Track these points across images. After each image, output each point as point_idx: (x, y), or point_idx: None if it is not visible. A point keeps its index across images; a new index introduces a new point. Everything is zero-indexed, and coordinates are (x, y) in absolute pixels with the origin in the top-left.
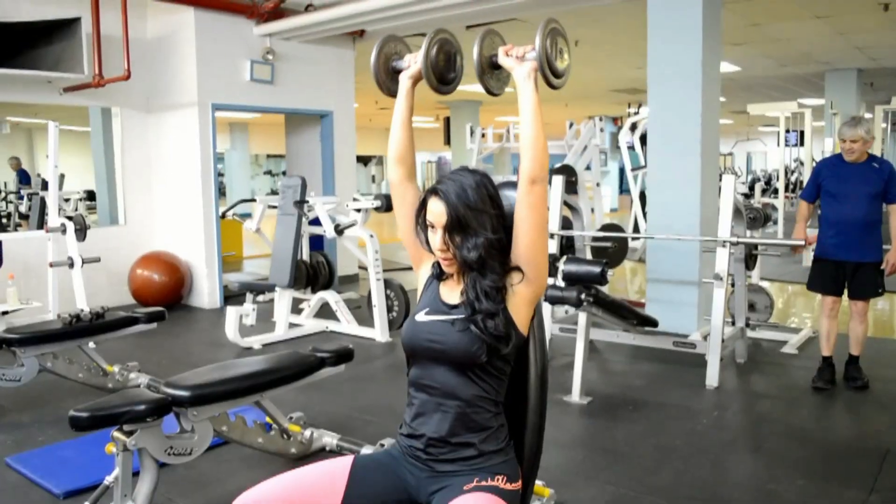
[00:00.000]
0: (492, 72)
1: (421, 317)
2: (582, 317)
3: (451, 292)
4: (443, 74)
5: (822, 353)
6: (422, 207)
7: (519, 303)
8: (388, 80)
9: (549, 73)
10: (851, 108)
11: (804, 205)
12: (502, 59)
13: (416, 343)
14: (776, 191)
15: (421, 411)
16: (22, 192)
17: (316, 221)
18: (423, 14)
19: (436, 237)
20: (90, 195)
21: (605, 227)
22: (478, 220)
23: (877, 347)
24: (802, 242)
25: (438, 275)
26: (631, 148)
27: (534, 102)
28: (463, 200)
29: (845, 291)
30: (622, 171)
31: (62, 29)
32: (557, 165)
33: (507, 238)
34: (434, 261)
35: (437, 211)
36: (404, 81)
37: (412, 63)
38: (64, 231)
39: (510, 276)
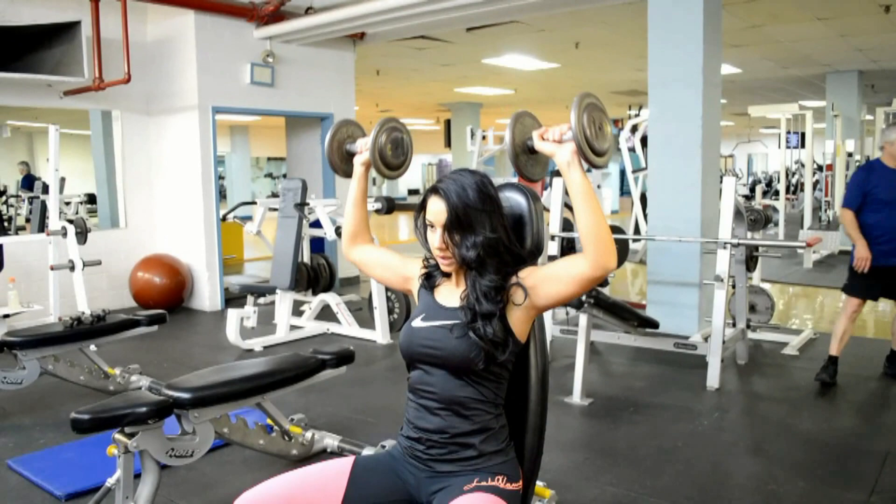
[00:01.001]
0: (528, 157)
1: (418, 323)
2: (583, 318)
3: (450, 295)
4: (389, 162)
5: (830, 352)
6: (421, 207)
7: (520, 315)
8: (341, 163)
9: (591, 154)
10: (852, 110)
11: (850, 214)
12: (538, 145)
13: (414, 349)
14: (777, 192)
15: (421, 413)
16: (22, 195)
17: (317, 224)
18: (422, 16)
19: (435, 236)
20: (91, 198)
21: None
22: (477, 220)
23: (877, 349)
24: (868, 256)
25: (427, 283)
26: (632, 150)
27: (584, 187)
28: (463, 199)
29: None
30: (623, 173)
31: (62, 32)
32: (557, 168)
33: (508, 238)
34: (420, 273)
35: (438, 209)
36: (357, 168)
37: (364, 149)
38: (65, 234)
39: (514, 293)
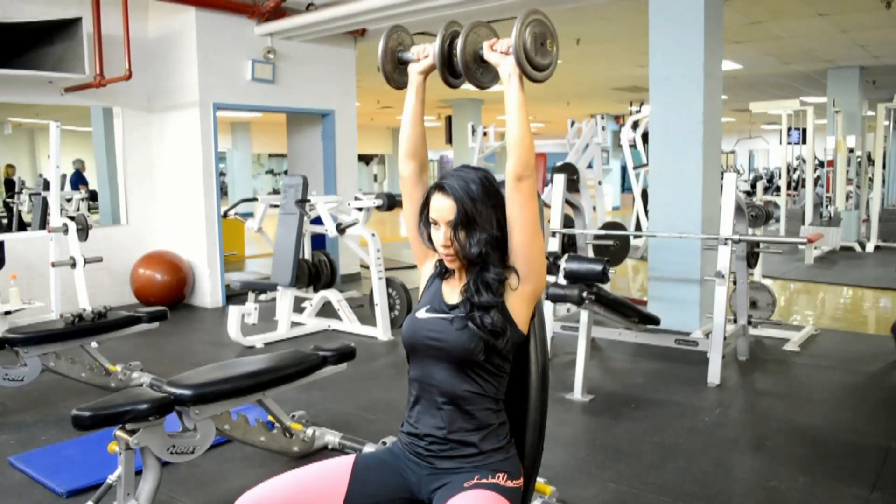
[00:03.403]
0: (478, 66)
1: (421, 314)
2: (584, 315)
3: (452, 292)
4: (455, 67)
5: None
6: (425, 204)
7: (517, 301)
8: (394, 71)
9: (529, 68)
10: (854, 105)
11: None
12: (487, 55)
13: (416, 340)
14: (778, 189)
15: (422, 409)
16: (79, 194)
17: (318, 220)
18: (423, 13)
19: (439, 233)
20: (92, 195)
21: (606, 226)
22: (482, 216)
23: (878, 344)
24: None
25: (441, 273)
26: (633, 146)
27: (518, 99)
28: (469, 195)
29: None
30: (624, 170)
31: (63, 29)
32: (559, 164)
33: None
34: (437, 259)
35: (442, 206)
36: (414, 76)
37: (421, 55)
38: (66, 231)
39: (509, 279)
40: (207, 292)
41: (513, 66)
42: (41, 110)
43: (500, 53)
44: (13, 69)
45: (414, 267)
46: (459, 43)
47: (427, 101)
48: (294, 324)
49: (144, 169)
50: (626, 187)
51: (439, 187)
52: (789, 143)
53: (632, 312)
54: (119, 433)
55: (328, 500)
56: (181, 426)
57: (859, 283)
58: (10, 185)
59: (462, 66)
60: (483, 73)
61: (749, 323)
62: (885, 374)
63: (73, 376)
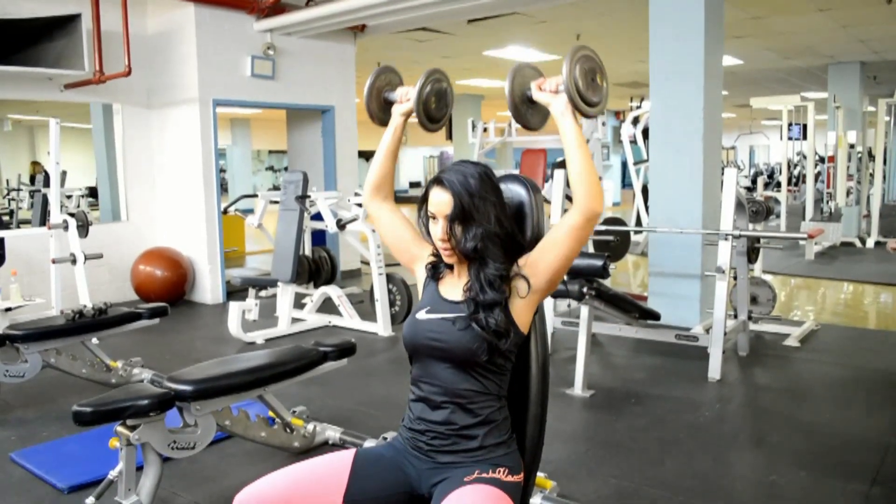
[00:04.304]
0: (528, 108)
1: (422, 315)
2: (584, 310)
3: (453, 288)
4: (432, 115)
5: None
6: (424, 199)
7: (523, 306)
8: (379, 110)
9: (583, 105)
10: (855, 101)
11: None
12: (536, 95)
13: (418, 342)
14: (779, 184)
15: (424, 406)
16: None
17: (318, 216)
18: (424, 8)
19: (437, 227)
20: (92, 192)
21: (607, 221)
22: (480, 210)
23: (880, 340)
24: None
25: (433, 274)
26: (633, 142)
27: (576, 136)
28: (467, 190)
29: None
30: (624, 165)
31: (63, 25)
32: (559, 160)
33: (510, 228)
34: (428, 261)
35: (441, 200)
36: (396, 117)
37: (404, 98)
38: (66, 227)
39: (517, 285)
40: (208, 288)
41: (565, 105)
42: (41, 107)
43: (549, 93)
44: (13, 66)
45: None
46: (507, 86)
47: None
48: (294, 320)
49: (144, 165)
50: (626, 183)
51: (438, 181)
52: (790, 139)
53: (632, 308)
54: (120, 429)
55: (328, 494)
56: (182, 422)
57: (860, 278)
58: (33, 180)
59: (511, 108)
60: (532, 113)
61: (749, 318)
62: (885, 370)
63: (73, 372)
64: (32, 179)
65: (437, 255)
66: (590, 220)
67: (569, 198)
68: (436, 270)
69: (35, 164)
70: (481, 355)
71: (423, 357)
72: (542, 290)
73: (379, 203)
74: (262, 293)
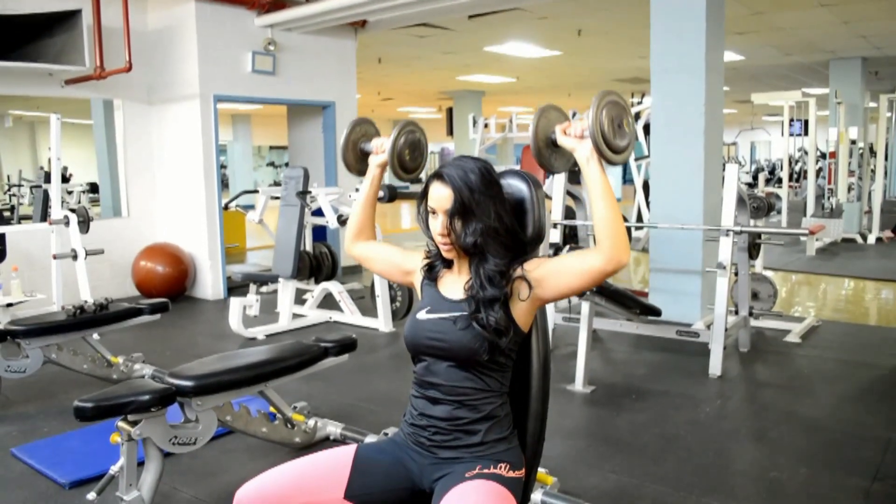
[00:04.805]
0: (551, 151)
1: (422, 315)
2: (585, 306)
3: (453, 286)
4: (407, 165)
5: None
6: (424, 194)
7: (522, 307)
8: (355, 161)
9: (608, 152)
10: (856, 97)
11: None
12: (561, 140)
13: (419, 342)
14: (780, 180)
15: (426, 403)
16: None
17: (319, 212)
18: (424, 3)
19: (437, 222)
20: (93, 187)
21: None
22: (480, 205)
23: (881, 336)
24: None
25: (430, 274)
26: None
27: (602, 183)
28: (467, 184)
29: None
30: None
31: (63, 21)
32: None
33: (511, 224)
34: (423, 264)
35: (441, 195)
36: (373, 167)
37: (379, 150)
38: (67, 223)
39: (519, 287)
40: (209, 284)
41: (590, 151)
42: (42, 103)
43: (574, 138)
44: (13, 62)
45: None
46: (531, 128)
47: (428, 92)
48: (295, 315)
49: (145, 161)
50: (627, 179)
51: (438, 176)
52: (791, 135)
53: (633, 304)
54: (121, 424)
55: (330, 490)
56: (183, 417)
57: (861, 274)
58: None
59: (534, 151)
60: (556, 157)
61: (750, 314)
62: (886, 366)
63: (75, 368)
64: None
65: (430, 255)
66: (614, 270)
67: (570, 193)
68: (432, 271)
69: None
70: (483, 354)
71: (425, 356)
72: (543, 299)
73: (362, 245)
74: (263, 289)
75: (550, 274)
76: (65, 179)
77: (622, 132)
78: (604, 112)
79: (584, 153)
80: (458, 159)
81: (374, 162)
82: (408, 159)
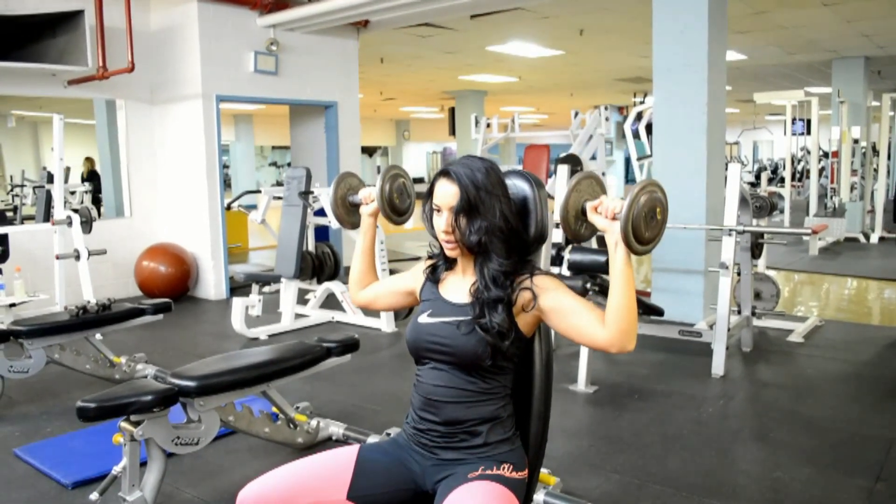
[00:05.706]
0: (581, 222)
1: (424, 319)
2: None
3: (455, 288)
4: (397, 208)
5: None
6: (429, 193)
7: (527, 318)
8: (347, 215)
9: (634, 243)
10: (859, 96)
11: None
12: (592, 217)
13: (421, 345)
14: (782, 179)
15: (427, 404)
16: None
17: (321, 212)
18: (426, 3)
19: (441, 219)
20: (96, 187)
21: None
22: (486, 204)
23: (884, 335)
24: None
25: (433, 276)
26: (636, 137)
27: (624, 271)
28: (473, 182)
29: None
30: (628, 161)
31: (66, 21)
32: (563, 155)
33: (515, 224)
34: (424, 267)
35: (447, 192)
36: (365, 218)
37: (367, 200)
38: (70, 223)
39: (523, 295)
40: (211, 284)
41: (619, 237)
42: (44, 103)
43: (605, 218)
44: (16, 62)
45: (417, 258)
46: (564, 196)
47: (430, 92)
48: (298, 315)
49: (148, 161)
50: (629, 178)
51: (444, 173)
52: (794, 134)
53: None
54: (124, 424)
55: (332, 490)
56: (186, 417)
57: (864, 274)
58: (92, 176)
59: (562, 220)
60: (586, 227)
61: (753, 314)
62: (889, 366)
63: (77, 368)
64: (91, 175)
65: (433, 256)
66: (616, 352)
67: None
68: (434, 272)
69: (88, 160)
70: (486, 359)
71: (427, 360)
72: (544, 321)
73: (365, 291)
74: (266, 289)
75: (556, 312)
76: (85, 179)
77: (654, 223)
78: (637, 204)
79: (613, 237)
80: (465, 158)
81: (366, 212)
82: (397, 202)
